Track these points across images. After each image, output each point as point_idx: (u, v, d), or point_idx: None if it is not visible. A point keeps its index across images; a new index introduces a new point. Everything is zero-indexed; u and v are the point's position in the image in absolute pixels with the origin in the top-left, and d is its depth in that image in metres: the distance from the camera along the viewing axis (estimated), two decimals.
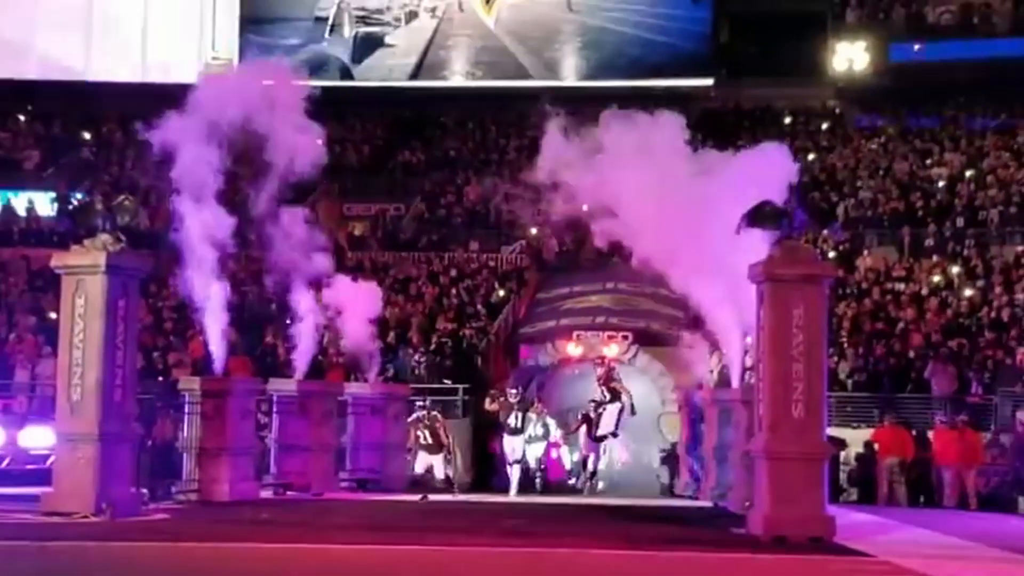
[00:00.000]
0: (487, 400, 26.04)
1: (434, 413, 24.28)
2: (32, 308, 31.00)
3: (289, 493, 23.19)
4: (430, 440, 23.98)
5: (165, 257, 26.31)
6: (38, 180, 41.12)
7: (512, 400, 25.39)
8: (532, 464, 25.75)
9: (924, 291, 31.38)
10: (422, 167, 42.24)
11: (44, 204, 39.11)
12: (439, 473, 24.02)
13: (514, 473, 25.51)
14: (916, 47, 43.72)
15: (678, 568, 14.96)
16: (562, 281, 32.39)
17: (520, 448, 25.41)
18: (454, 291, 33.00)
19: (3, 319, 30.75)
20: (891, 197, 36.96)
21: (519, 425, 25.29)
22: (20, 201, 39.50)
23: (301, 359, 23.89)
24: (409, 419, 24.86)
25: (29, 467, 23.03)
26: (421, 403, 24.59)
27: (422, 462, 24.21)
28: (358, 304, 24.90)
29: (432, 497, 22.75)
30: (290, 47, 44.79)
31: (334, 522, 18.20)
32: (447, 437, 24.23)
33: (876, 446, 24.97)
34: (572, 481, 26.50)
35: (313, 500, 22.86)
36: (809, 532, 17.18)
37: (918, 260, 33.59)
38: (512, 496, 24.68)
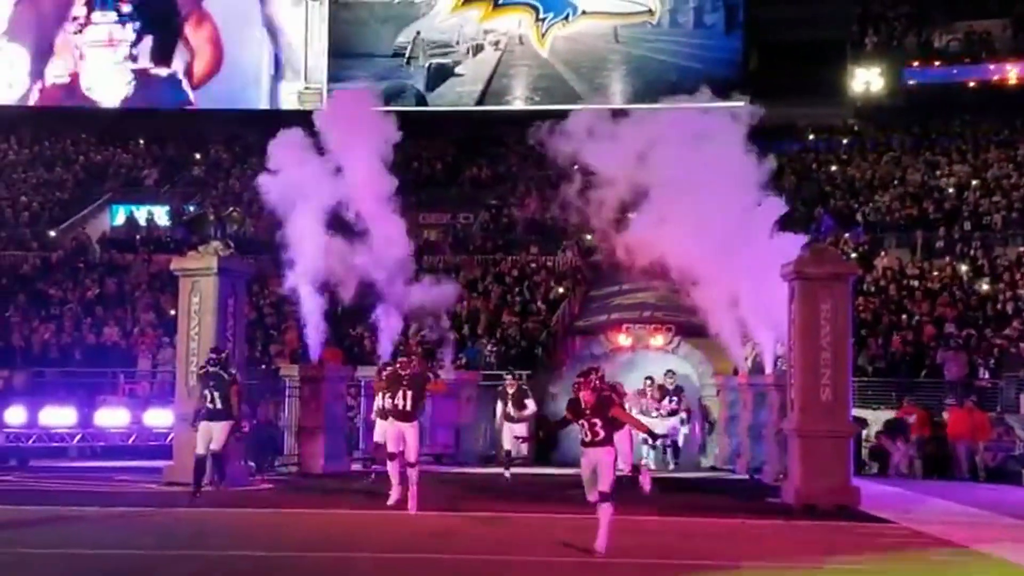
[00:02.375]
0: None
1: (524, 386, 22.76)
2: (152, 305, 31.27)
3: (375, 466, 23.27)
4: (512, 411, 22.01)
5: (266, 261, 26.53)
6: (156, 195, 41.50)
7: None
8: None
9: (936, 287, 31.19)
10: (487, 181, 42.29)
11: (162, 216, 39.47)
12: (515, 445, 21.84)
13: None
14: (927, 71, 43.37)
15: (720, 532, 14.92)
16: (611, 280, 32.29)
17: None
18: (517, 289, 33.00)
19: (128, 316, 31.04)
20: (905, 204, 36.76)
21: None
22: (141, 213, 39.90)
23: (385, 349, 23.96)
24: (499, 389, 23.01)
25: (152, 443, 23.25)
26: (508, 374, 23.36)
27: (507, 435, 21.67)
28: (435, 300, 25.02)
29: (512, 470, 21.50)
30: (372, 77, 44.96)
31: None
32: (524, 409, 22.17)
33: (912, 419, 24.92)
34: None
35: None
36: (836, 501, 17.16)
37: (930, 260, 33.38)
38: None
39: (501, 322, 30.75)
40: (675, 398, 22.68)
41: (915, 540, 14.33)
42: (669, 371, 23.78)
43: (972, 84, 42.89)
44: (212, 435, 17.36)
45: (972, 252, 33.35)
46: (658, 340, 28.51)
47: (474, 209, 40.26)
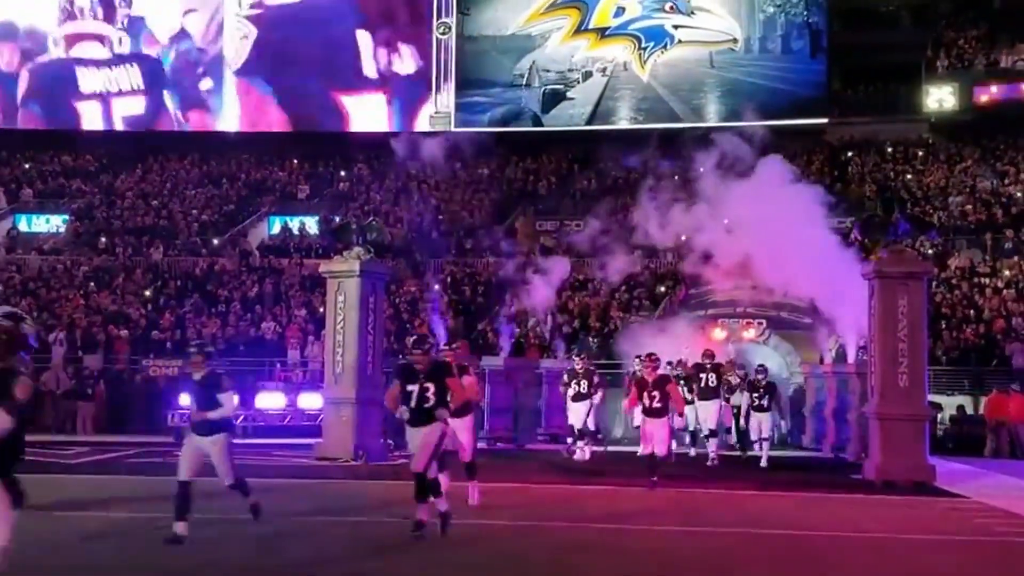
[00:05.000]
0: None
1: (591, 368, 21.12)
2: (304, 303, 31.77)
3: (499, 444, 23.39)
4: (585, 390, 20.57)
5: (401, 265, 26.80)
6: (308, 207, 42.07)
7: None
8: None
9: (1004, 284, 30.50)
10: (596, 192, 42.14)
11: (312, 225, 40.02)
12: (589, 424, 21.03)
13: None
14: (994, 88, 42.39)
15: (809, 506, 14.77)
16: (707, 279, 31.99)
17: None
18: (623, 287, 32.84)
19: (283, 312, 31.57)
20: (976, 209, 35.94)
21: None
22: (295, 223, 40.52)
23: (506, 341, 24.06)
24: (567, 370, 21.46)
25: (304, 423, 23.63)
26: (578, 355, 22.03)
27: (575, 413, 20.63)
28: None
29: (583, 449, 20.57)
30: (494, 103, 45.24)
31: (533, 466, 18.31)
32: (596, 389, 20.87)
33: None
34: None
35: (517, 450, 23.02)
36: (914, 478, 16.91)
37: (999, 259, 32.60)
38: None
39: (608, 317, 30.66)
40: (766, 395, 21.06)
41: (987, 514, 14.02)
42: (760, 366, 22.25)
43: None
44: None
45: None
46: (750, 333, 28.19)
47: (584, 217, 40.18)
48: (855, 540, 11.80)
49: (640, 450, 16.36)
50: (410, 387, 11.13)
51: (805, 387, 26.00)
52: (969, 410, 25.26)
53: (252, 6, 46.83)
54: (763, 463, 19.89)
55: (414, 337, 12.14)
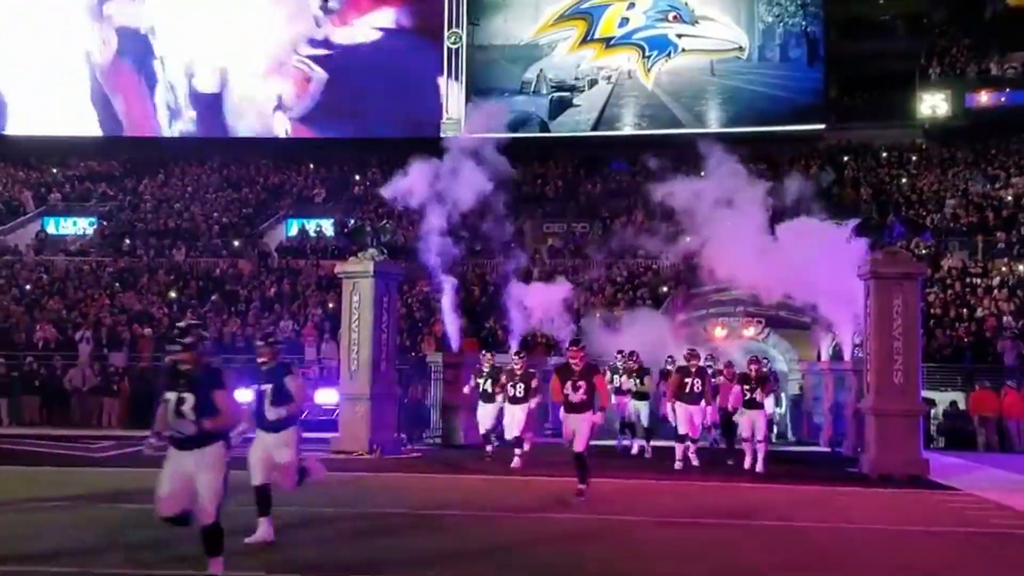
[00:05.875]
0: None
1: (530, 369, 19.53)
2: (320, 303, 31.78)
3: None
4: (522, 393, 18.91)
5: (414, 265, 26.78)
6: (324, 210, 42.07)
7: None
8: None
9: (995, 284, 30.42)
10: (601, 195, 42.11)
11: (328, 228, 40.00)
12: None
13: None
14: (985, 95, 42.29)
15: (807, 498, 14.72)
16: (708, 280, 31.96)
17: None
18: (628, 287, 32.83)
19: (300, 311, 31.57)
20: (968, 212, 35.83)
21: None
22: (311, 226, 40.49)
23: (514, 338, 24.03)
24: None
25: (321, 418, 23.62)
26: (516, 354, 19.49)
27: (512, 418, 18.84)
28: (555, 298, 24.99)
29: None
30: (502, 109, 45.18)
31: (542, 460, 18.28)
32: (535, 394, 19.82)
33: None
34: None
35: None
36: (908, 471, 16.89)
37: (990, 260, 32.52)
38: None
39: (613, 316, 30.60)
40: (759, 388, 20.13)
41: (979, 506, 13.98)
42: (753, 356, 20.93)
43: None
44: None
45: None
46: (750, 331, 28.17)
47: (589, 220, 40.17)
48: (852, 531, 11.78)
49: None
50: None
51: (803, 384, 25.99)
52: (962, 406, 25.19)
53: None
54: (759, 467, 17.25)
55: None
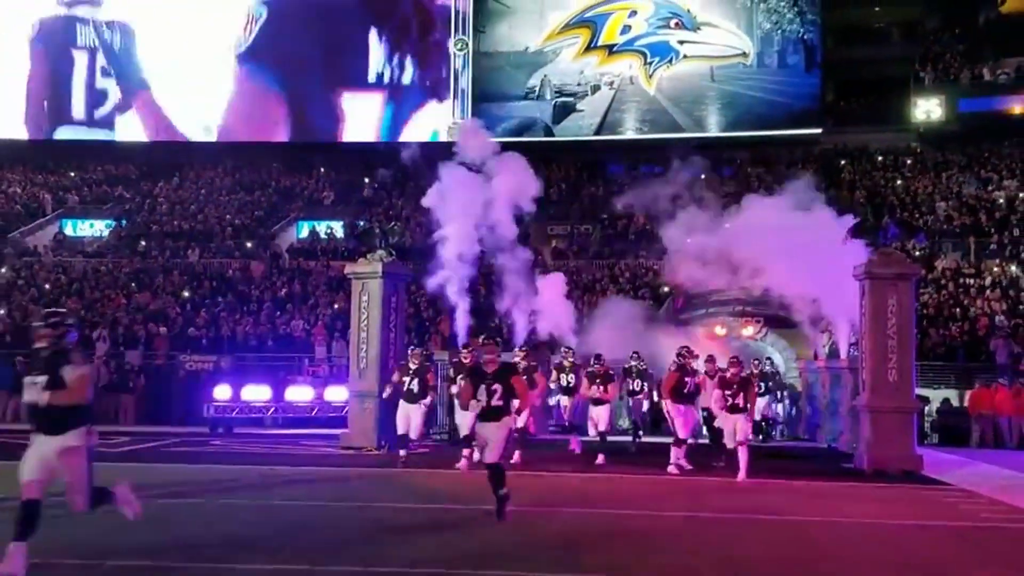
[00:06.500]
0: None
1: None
2: (329, 303, 31.80)
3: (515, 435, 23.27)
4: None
5: (422, 266, 26.76)
6: (333, 212, 42.11)
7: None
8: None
9: (988, 284, 30.39)
10: (604, 197, 42.13)
11: (338, 230, 40.05)
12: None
13: None
14: (978, 100, 42.26)
15: (803, 492, 14.72)
16: (708, 280, 31.93)
17: None
18: (629, 288, 32.84)
19: (310, 311, 31.59)
20: (962, 213, 35.82)
21: None
22: (321, 228, 40.59)
23: (519, 336, 24.00)
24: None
25: (330, 415, 23.65)
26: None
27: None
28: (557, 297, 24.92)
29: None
30: (508, 114, 45.26)
31: (547, 456, 18.32)
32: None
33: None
34: None
35: (530, 440, 22.94)
36: (902, 467, 16.89)
37: (983, 261, 32.50)
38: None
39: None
40: (741, 391, 19.41)
41: (972, 500, 13.98)
42: (733, 358, 20.04)
43: (1019, 111, 41.57)
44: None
45: (1020, 254, 32.40)
46: (748, 331, 28.14)
47: (593, 222, 40.17)
48: (847, 525, 11.77)
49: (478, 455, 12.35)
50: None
51: (800, 381, 25.98)
52: (955, 403, 25.19)
53: None
54: (740, 476, 15.61)
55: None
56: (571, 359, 19.71)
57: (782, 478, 16.04)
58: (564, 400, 19.87)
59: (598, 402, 18.42)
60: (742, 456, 15.80)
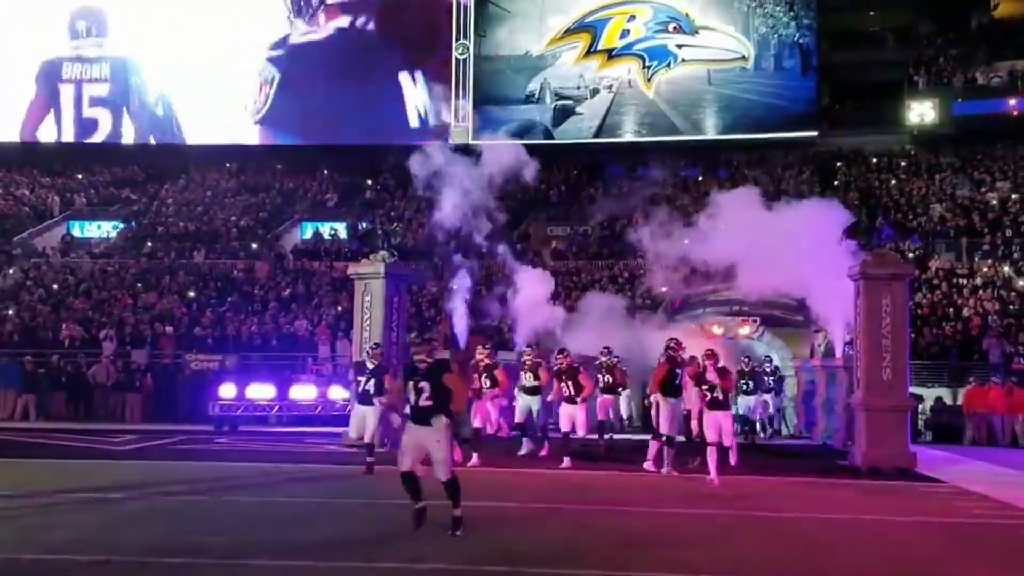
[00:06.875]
0: None
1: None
2: (333, 303, 31.80)
3: (513, 433, 23.25)
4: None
5: (424, 266, 26.79)
6: (337, 214, 42.10)
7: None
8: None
9: (981, 284, 30.39)
10: (603, 199, 42.14)
11: (341, 231, 40.03)
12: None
13: None
14: (971, 103, 42.24)
15: (799, 489, 14.71)
16: (705, 280, 31.93)
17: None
18: (627, 288, 32.83)
19: (314, 311, 31.59)
20: (955, 215, 35.80)
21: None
22: (325, 229, 40.55)
23: (519, 336, 23.99)
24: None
25: (333, 413, 23.63)
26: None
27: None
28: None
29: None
30: (508, 117, 45.26)
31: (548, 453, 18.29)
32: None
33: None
34: None
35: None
36: (896, 464, 16.88)
37: (976, 262, 32.50)
38: None
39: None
40: (721, 390, 18.52)
41: (964, 497, 13.98)
42: (708, 350, 19.26)
43: (1012, 114, 41.55)
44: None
45: (1013, 255, 32.40)
46: (745, 330, 28.12)
47: (592, 223, 40.17)
48: (842, 522, 11.78)
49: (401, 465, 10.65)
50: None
51: (796, 379, 25.96)
52: (948, 401, 25.18)
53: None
54: (731, 460, 15.72)
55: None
56: (531, 356, 18.45)
57: (777, 475, 16.04)
58: (526, 400, 18.26)
59: (571, 400, 17.34)
60: (731, 449, 15.94)
